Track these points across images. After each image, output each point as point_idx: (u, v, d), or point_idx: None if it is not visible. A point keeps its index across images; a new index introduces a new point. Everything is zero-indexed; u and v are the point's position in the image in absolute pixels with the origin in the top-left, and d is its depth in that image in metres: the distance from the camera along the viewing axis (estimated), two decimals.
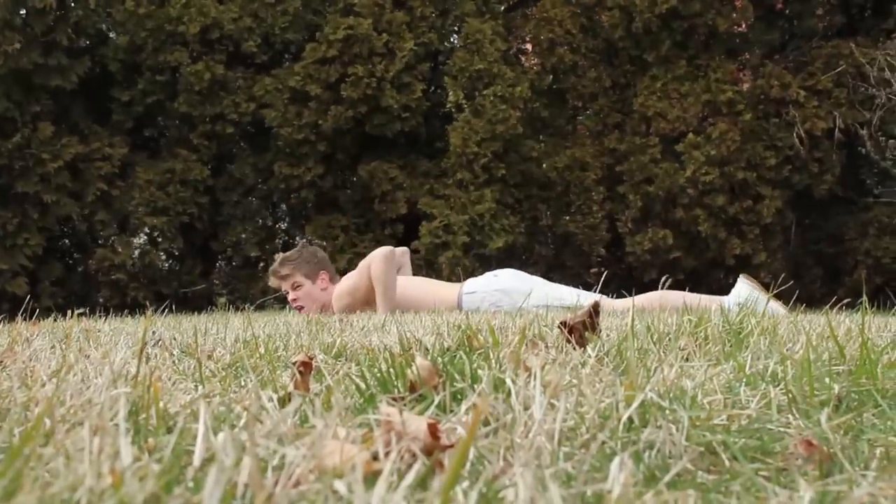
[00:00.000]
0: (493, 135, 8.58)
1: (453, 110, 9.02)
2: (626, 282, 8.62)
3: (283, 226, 9.75)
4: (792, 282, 4.72)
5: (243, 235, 8.98)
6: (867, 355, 1.47)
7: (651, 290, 5.25)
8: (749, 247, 8.72)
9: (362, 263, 5.53)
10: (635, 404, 1.12)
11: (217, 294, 9.12)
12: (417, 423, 0.97)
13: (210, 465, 0.79)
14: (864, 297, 1.99)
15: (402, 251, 5.94)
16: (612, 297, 5.05)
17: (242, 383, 1.58)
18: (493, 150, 8.62)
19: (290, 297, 5.72)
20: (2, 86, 8.11)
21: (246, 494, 0.80)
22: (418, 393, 1.25)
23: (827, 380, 1.37)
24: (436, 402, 1.20)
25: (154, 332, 2.51)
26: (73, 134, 8.43)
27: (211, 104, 8.69)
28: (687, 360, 1.66)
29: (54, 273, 8.43)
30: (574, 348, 1.73)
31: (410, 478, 0.82)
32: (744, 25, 9.41)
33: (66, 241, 9.13)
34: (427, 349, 1.83)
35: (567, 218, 9.02)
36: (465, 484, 0.89)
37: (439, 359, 1.49)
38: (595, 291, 5.25)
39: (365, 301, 5.40)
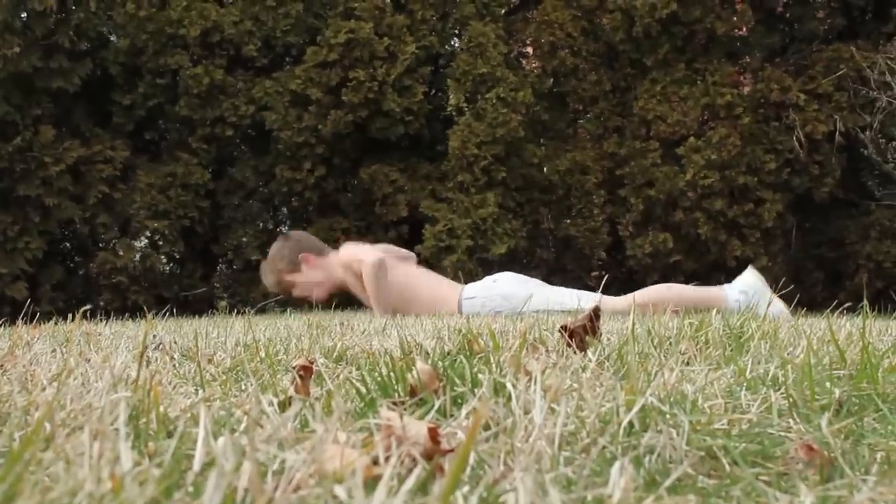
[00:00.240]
0: (494, 138, 8.59)
1: (454, 113, 9.02)
2: (627, 285, 8.61)
3: (285, 229, 9.74)
4: (793, 286, 4.71)
5: (244, 239, 8.97)
6: (868, 359, 1.47)
7: None
8: (750, 250, 8.72)
9: (353, 264, 5.36)
10: (636, 409, 1.12)
11: (218, 297, 9.11)
12: (418, 428, 0.97)
13: (210, 470, 0.79)
14: (865, 301, 1.99)
15: (407, 255, 5.89)
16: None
17: (243, 387, 1.58)
18: (493, 154, 8.61)
19: (294, 295, 5.66)
20: (1, 89, 8.11)
21: (246, 499, 0.80)
22: (419, 397, 1.25)
23: (828, 384, 1.37)
24: (436, 406, 1.20)
25: (155, 336, 2.51)
26: (74, 137, 8.43)
27: (211, 107, 8.69)
28: (688, 364, 1.66)
29: (55, 277, 8.43)
30: (574, 352, 1.73)
31: (411, 482, 0.82)
32: (744, 29, 9.40)
33: (67, 244, 9.12)
34: (427, 353, 1.83)
35: (568, 221, 9.02)
36: (466, 488, 0.89)
37: (440, 363, 1.49)
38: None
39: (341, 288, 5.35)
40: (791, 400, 1.29)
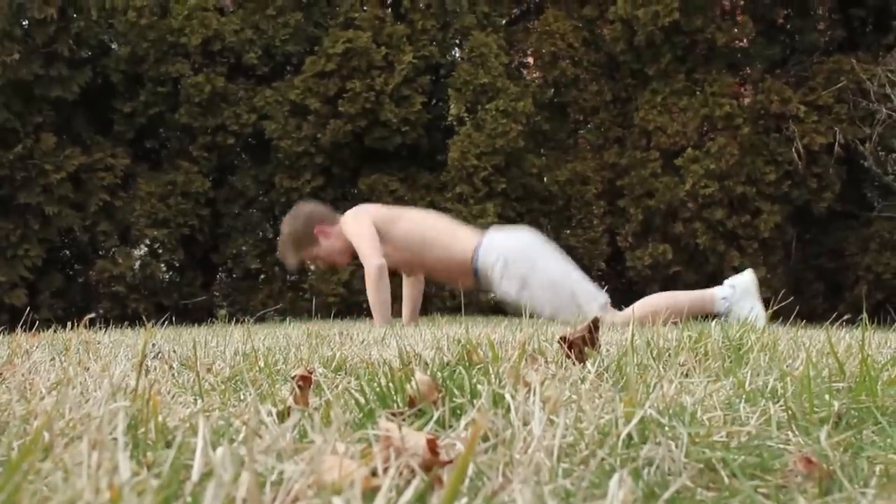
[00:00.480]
0: (494, 149, 8.60)
1: (455, 123, 9.03)
2: (627, 296, 8.61)
3: None
4: (793, 297, 4.71)
5: (244, 247, 8.98)
6: (867, 372, 1.46)
7: None
8: (748, 261, 8.72)
9: (354, 246, 5.22)
10: (635, 421, 1.12)
11: (217, 306, 9.11)
12: (416, 439, 0.97)
13: (209, 481, 0.79)
14: (865, 314, 1.99)
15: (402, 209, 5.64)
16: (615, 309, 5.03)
17: (242, 397, 1.57)
18: (493, 164, 8.63)
19: (319, 267, 5.52)
20: (2, 97, 8.12)
21: None
22: (417, 408, 1.25)
23: (827, 396, 1.37)
24: (435, 417, 1.20)
25: (154, 345, 2.51)
26: (75, 145, 8.44)
27: (213, 115, 8.70)
28: (687, 376, 1.66)
29: (54, 284, 8.43)
30: (574, 363, 1.73)
31: (409, 494, 0.82)
32: (745, 40, 9.42)
33: (67, 252, 9.13)
34: (426, 364, 1.83)
35: (568, 232, 9.03)
36: (464, 500, 0.89)
37: (439, 373, 1.49)
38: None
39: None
40: (790, 412, 1.29)
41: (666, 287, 8.20)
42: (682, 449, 1.05)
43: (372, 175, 8.80)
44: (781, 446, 1.13)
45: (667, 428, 1.11)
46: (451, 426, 1.19)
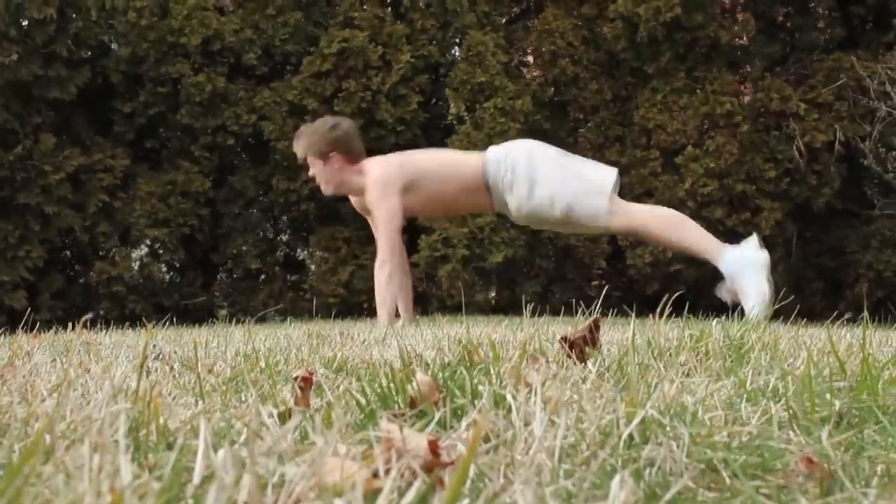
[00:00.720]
0: None
1: (454, 122, 9.03)
2: (628, 295, 8.62)
3: (285, 238, 9.74)
4: (793, 296, 4.71)
5: (244, 248, 8.98)
6: (868, 371, 1.46)
7: (653, 303, 5.19)
8: None
9: (375, 210, 5.18)
10: (636, 421, 1.12)
11: (218, 306, 9.11)
12: (418, 440, 0.97)
13: (210, 483, 0.79)
14: (866, 312, 1.99)
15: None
16: (612, 313, 5.02)
17: (243, 398, 1.57)
18: None
19: (306, 172, 5.48)
20: (1, 97, 8.11)
21: None
22: (419, 409, 1.25)
23: (828, 396, 1.37)
24: (436, 418, 1.20)
25: (154, 346, 2.51)
26: (75, 145, 8.43)
27: (212, 116, 8.70)
28: (688, 375, 1.66)
29: (55, 285, 8.43)
30: (575, 363, 1.73)
31: (411, 496, 0.82)
32: (745, 38, 9.42)
33: (68, 252, 9.12)
34: (427, 364, 1.83)
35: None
36: (466, 502, 0.89)
37: (440, 374, 1.49)
38: (596, 306, 5.18)
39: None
40: (791, 412, 1.29)
41: (666, 285, 8.20)
42: (683, 449, 1.05)
43: None
44: (783, 446, 1.13)
45: (668, 428, 1.11)
46: (452, 427, 1.19)
